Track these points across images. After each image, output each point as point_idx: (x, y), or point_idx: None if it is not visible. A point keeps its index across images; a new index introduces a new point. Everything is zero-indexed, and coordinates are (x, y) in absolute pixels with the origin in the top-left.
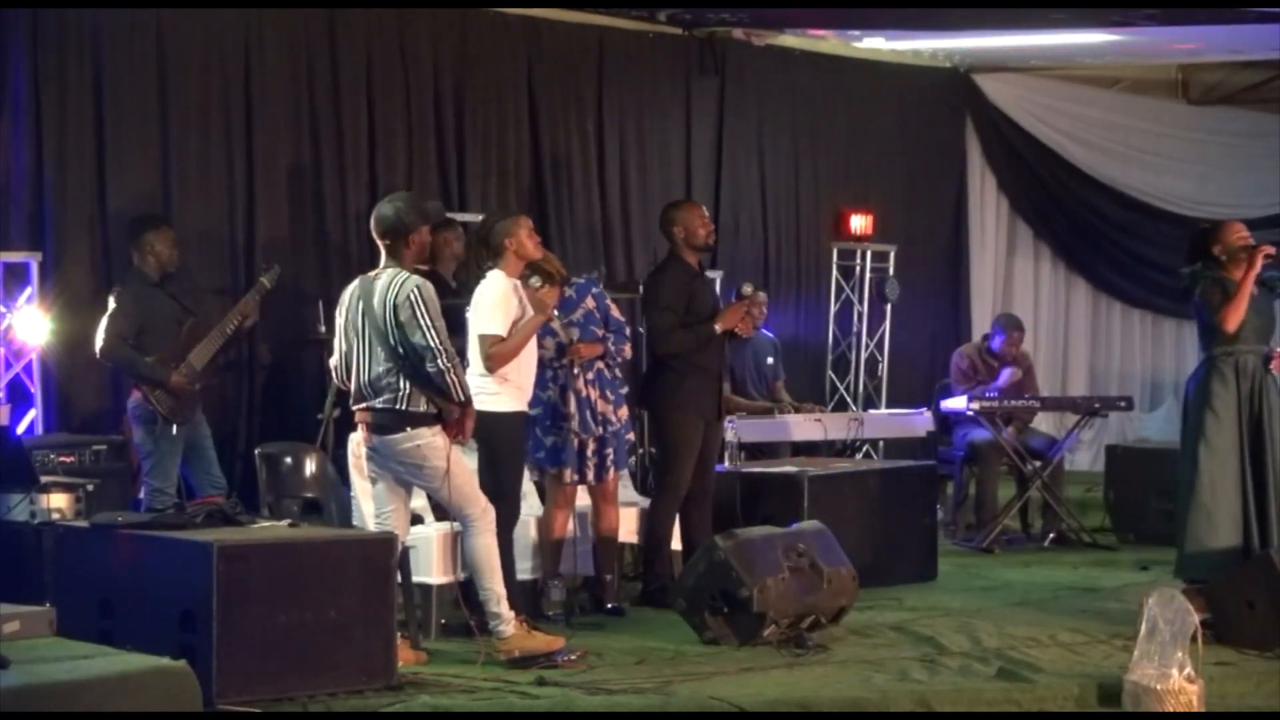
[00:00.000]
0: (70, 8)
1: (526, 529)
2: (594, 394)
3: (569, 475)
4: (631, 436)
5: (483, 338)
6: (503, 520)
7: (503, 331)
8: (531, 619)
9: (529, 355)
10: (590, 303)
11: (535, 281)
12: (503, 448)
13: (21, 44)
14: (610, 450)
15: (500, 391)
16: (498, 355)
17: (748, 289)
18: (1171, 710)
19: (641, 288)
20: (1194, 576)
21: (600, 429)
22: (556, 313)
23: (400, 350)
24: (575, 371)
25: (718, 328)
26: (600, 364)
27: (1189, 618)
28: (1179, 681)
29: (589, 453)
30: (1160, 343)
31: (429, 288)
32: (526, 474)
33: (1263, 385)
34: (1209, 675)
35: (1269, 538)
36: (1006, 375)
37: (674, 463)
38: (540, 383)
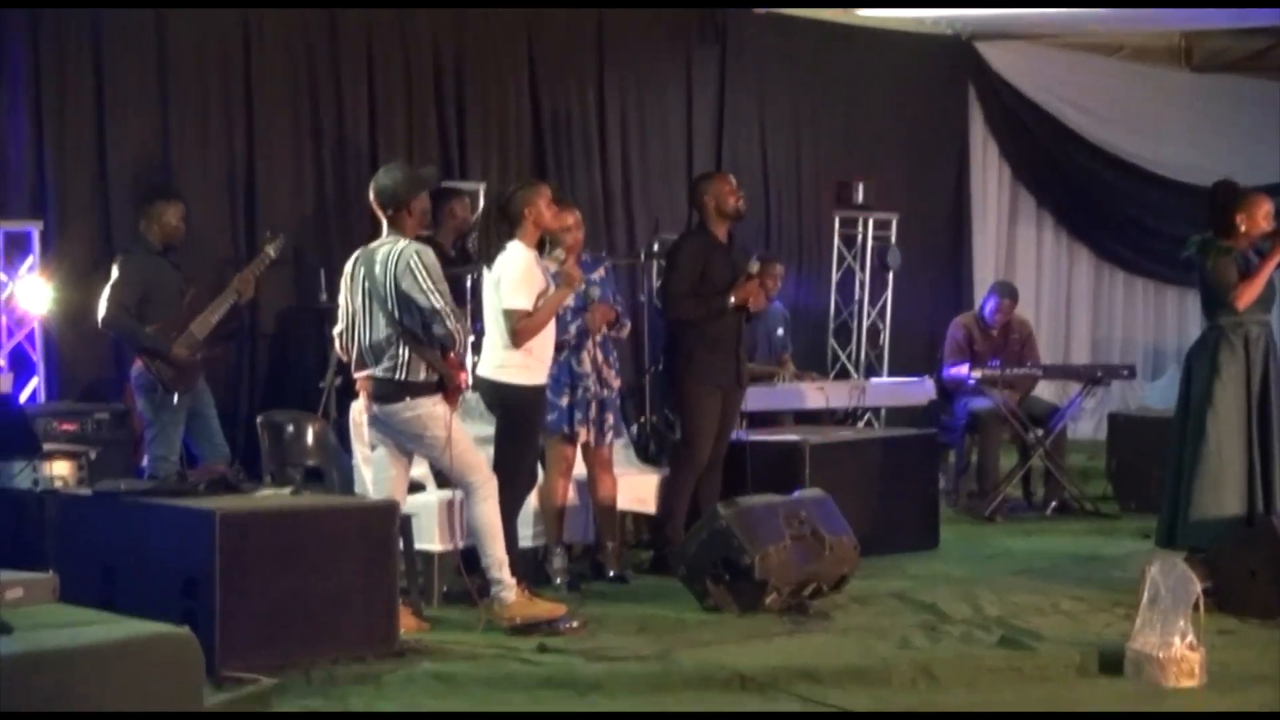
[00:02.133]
0: None
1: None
2: (600, 356)
3: (584, 434)
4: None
5: (509, 313)
6: (519, 490)
7: (529, 306)
8: (533, 586)
9: (550, 328)
10: (602, 272)
11: (559, 254)
12: (524, 420)
13: (20, 15)
14: (609, 415)
15: (526, 365)
16: (525, 330)
17: (754, 266)
18: (1174, 676)
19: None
20: (1197, 544)
21: (604, 391)
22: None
23: (399, 318)
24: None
25: (731, 301)
26: (608, 328)
27: (1191, 586)
28: (1181, 650)
29: (592, 415)
30: (1162, 311)
31: (429, 253)
32: None
33: (1267, 354)
34: (1211, 643)
35: (1274, 506)
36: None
37: (690, 432)
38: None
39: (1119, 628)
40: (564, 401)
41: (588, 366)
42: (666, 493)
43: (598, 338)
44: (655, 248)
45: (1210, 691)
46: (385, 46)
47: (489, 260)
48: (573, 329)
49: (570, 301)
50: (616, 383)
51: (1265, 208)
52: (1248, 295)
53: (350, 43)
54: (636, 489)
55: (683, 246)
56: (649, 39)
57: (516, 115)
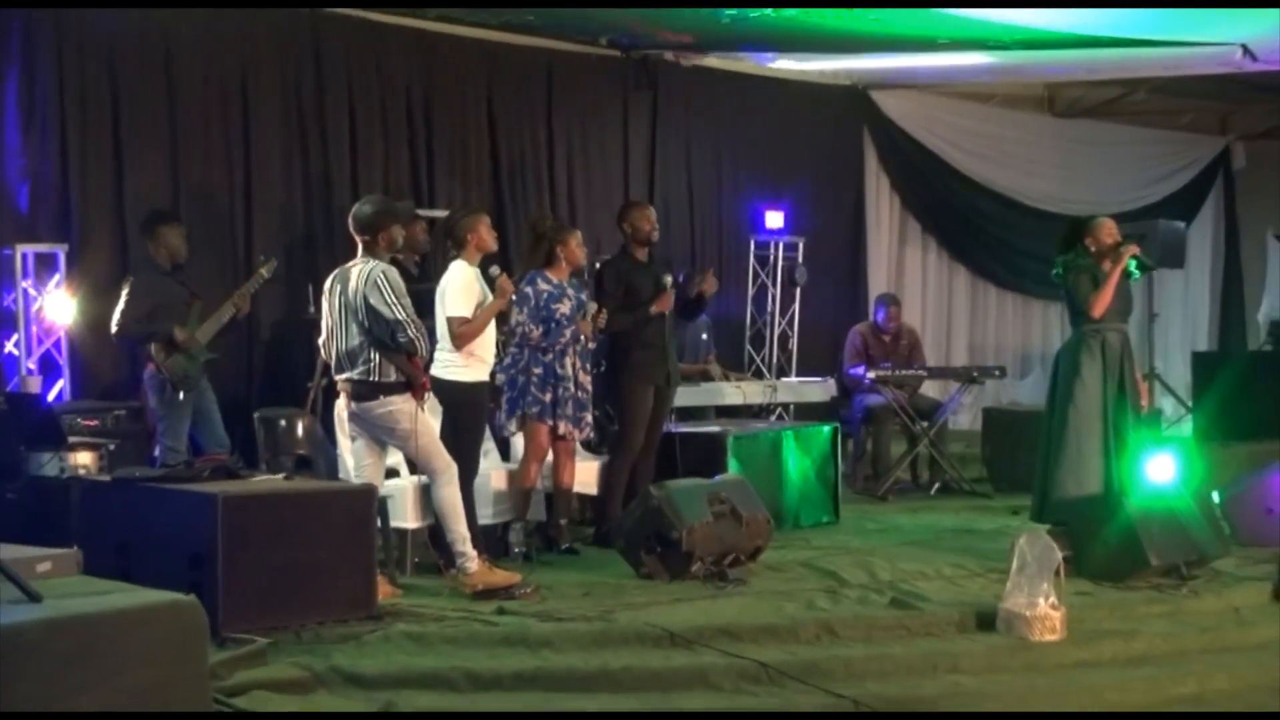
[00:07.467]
0: (75, 7)
1: (488, 480)
2: (578, 362)
3: (564, 427)
4: None
5: (451, 319)
6: (464, 476)
7: (468, 314)
8: (492, 558)
9: (489, 332)
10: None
11: (495, 270)
12: (466, 413)
13: (47, 61)
14: (586, 413)
15: (467, 365)
16: (464, 334)
17: (668, 280)
18: (1039, 631)
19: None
20: (1061, 520)
21: (579, 392)
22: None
23: (369, 328)
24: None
25: (652, 310)
26: (584, 337)
27: (1053, 554)
28: (1045, 609)
29: (569, 412)
30: (1029, 320)
31: (393, 272)
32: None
33: (1122, 357)
34: (1070, 603)
35: (1125, 487)
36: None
37: (625, 424)
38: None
39: (993, 590)
40: (547, 397)
41: (569, 370)
42: (606, 476)
43: (576, 346)
44: (597, 266)
45: (1069, 644)
46: (364, 90)
47: (439, 277)
48: (568, 333)
49: (566, 309)
50: (588, 384)
51: (1108, 227)
52: (1100, 303)
53: (333, 87)
54: (581, 473)
55: (606, 270)
56: (592, 86)
57: (477, 150)
